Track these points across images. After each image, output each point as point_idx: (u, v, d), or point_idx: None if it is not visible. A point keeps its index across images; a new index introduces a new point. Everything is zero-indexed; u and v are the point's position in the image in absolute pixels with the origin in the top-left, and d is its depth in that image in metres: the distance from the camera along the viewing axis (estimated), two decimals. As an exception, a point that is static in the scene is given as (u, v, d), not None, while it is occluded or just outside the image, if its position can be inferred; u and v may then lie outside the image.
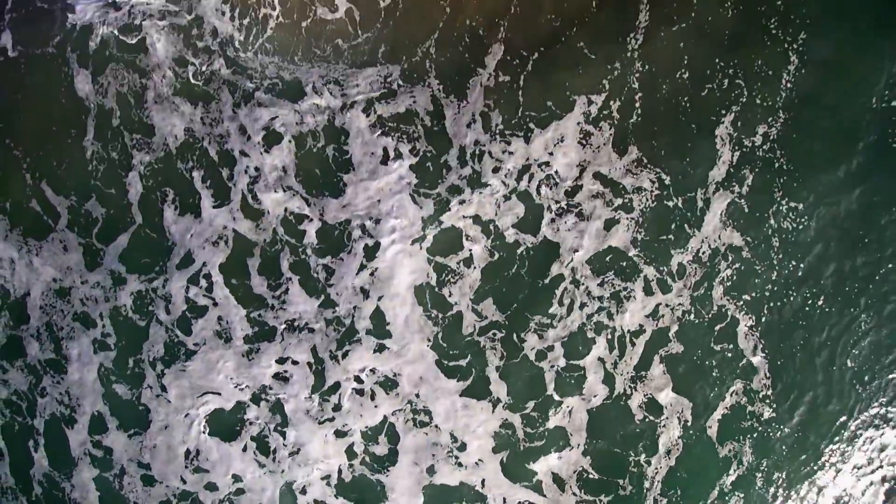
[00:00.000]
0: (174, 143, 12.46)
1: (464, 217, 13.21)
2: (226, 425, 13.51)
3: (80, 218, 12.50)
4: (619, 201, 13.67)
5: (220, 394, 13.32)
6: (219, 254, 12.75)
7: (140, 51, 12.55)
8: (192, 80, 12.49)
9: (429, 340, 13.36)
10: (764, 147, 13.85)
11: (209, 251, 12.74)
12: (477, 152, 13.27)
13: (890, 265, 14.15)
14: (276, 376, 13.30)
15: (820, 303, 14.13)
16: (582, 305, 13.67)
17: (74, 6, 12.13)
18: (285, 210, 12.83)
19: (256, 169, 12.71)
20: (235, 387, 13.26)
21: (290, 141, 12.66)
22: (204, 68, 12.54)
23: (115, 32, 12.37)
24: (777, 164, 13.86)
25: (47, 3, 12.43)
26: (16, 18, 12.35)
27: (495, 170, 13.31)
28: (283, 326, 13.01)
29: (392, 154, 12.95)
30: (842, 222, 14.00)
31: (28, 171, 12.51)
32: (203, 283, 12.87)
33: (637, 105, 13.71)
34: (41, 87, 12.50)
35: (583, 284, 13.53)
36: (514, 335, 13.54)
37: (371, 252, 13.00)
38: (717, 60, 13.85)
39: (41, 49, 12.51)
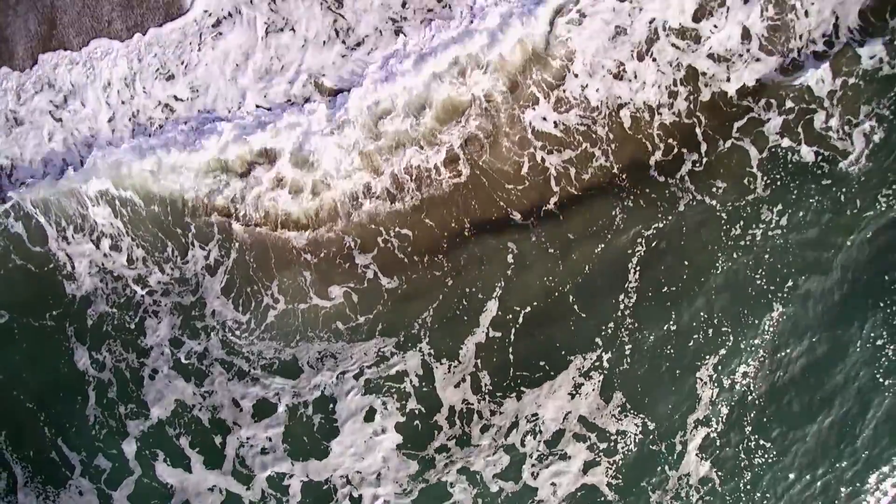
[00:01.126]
0: (165, 413, 13.20)
1: (450, 471, 13.92)
2: None
3: (90, 468, 13.30)
4: (603, 445, 14.34)
5: None
6: (213, 500, 13.63)
7: (138, 331, 13.11)
8: (186, 360, 13.11)
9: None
10: (741, 384, 14.47)
11: (204, 497, 13.59)
12: (465, 411, 13.89)
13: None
14: None
15: (785, 533, 15.03)
16: (556, 539, 14.53)
17: (75, 276, 12.61)
18: (273, 471, 13.60)
19: (248, 438, 13.45)
20: None
21: (283, 412, 13.34)
22: (201, 348, 13.15)
23: (114, 310, 12.92)
24: (750, 400, 14.49)
25: (44, 267, 12.94)
26: (9, 287, 12.92)
27: (484, 429, 13.96)
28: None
29: (380, 411, 13.58)
30: (808, 461, 14.71)
31: (45, 426, 13.30)
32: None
33: (626, 355, 14.25)
34: (42, 356, 13.22)
35: (558, 520, 14.36)
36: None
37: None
38: (702, 314, 14.33)
39: (39, 321, 13.17)
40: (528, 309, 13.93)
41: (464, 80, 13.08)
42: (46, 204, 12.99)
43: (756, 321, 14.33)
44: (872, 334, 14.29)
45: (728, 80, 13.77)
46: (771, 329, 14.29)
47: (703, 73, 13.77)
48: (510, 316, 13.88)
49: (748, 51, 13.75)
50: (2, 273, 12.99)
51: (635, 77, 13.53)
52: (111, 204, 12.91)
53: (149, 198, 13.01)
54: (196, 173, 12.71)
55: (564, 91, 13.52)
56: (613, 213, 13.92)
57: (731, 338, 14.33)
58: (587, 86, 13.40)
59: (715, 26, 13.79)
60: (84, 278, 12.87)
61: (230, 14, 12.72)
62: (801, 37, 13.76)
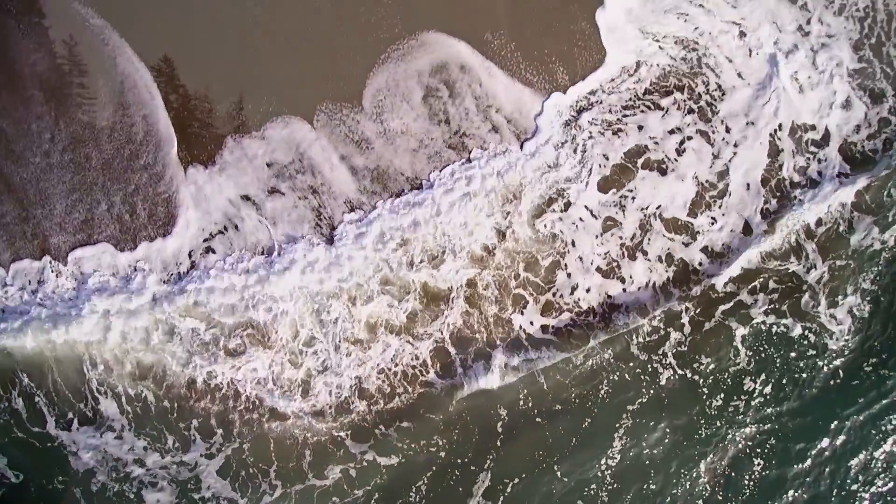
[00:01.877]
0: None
1: None
2: None
3: None
4: None
5: None
6: None
7: (138, 499, 13.57)
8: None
9: None
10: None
11: None
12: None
13: None
14: None
15: None
16: None
17: (79, 455, 13.14)
18: None
19: None
20: None
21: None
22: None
23: (115, 483, 13.43)
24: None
25: (46, 444, 13.51)
26: (19, 452, 13.50)
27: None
28: None
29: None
30: None
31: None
32: None
33: (607, 512, 15.01)
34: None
35: None
36: None
37: None
38: (682, 472, 14.99)
39: (51, 484, 13.69)
40: (517, 480, 14.47)
41: (439, 269, 13.12)
42: (50, 388, 13.30)
43: (734, 474, 15.00)
44: (858, 479, 15.06)
45: (720, 274, 13.91)
46: (750, 484, 14.97)
47: (695, 270, 13.86)
48: (500, 486, 14.43)
49: (747, 244, 13.83)
50: (7, 440, 13.38)
51: (630, 278, 13.60)
52: (117, 400, 13.19)
53: (155, 393, 13.33)
54: (185, 362, 12.98)
55: (554, 294, 13.61)
56: (599, 386, 14.32)
57: (709, 490, 15.00)
58: (577, 286, 13.47)
59: (713, 220, 13.78)
60: (85, 458, 13.31)
61: (225, 228, 12.63)
62: (797, 230, 13.84)
